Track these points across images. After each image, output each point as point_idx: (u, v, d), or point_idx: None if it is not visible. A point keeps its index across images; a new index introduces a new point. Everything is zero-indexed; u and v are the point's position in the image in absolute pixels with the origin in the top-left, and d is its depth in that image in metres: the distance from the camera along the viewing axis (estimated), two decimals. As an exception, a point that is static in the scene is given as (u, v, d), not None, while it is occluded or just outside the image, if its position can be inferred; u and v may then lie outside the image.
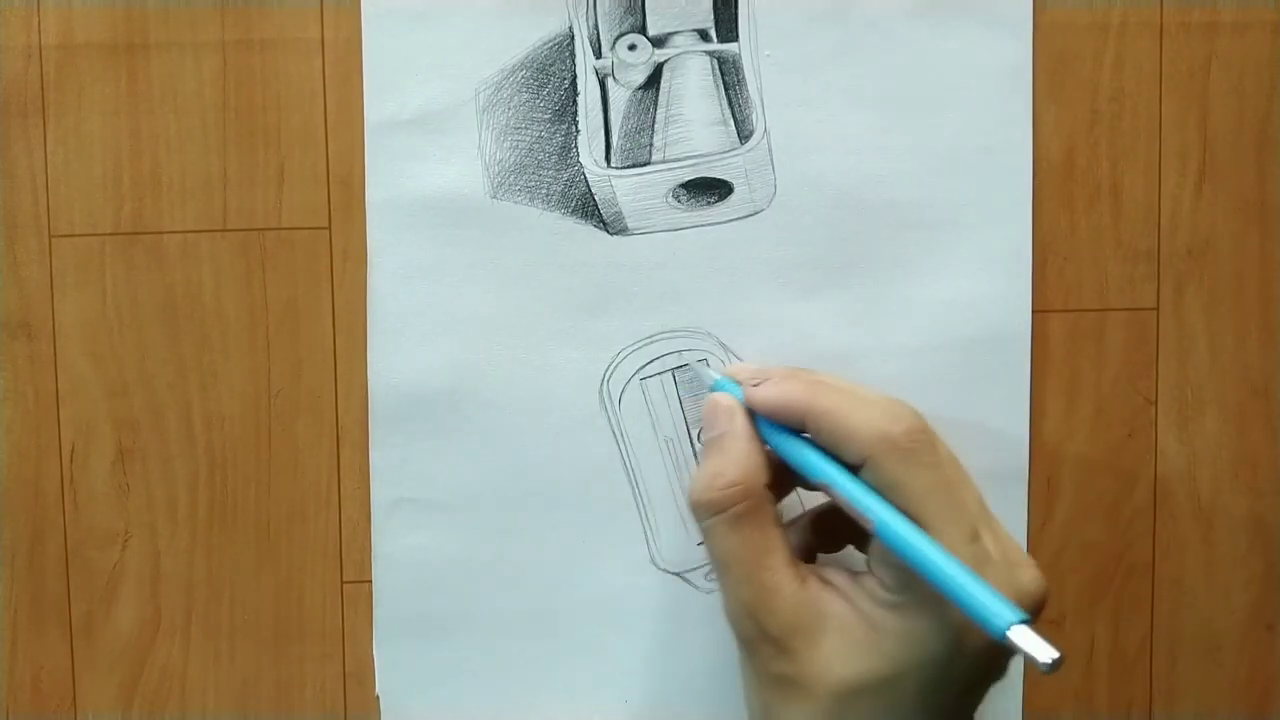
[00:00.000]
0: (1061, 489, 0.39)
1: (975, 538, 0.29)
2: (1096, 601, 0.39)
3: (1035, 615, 0.29)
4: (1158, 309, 0.39)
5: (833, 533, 0.34)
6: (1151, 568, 0.39)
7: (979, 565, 0.28)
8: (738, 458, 0.32)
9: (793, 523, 0.35)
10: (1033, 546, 0.39)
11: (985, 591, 0.27)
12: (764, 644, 0.31)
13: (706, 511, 0.31)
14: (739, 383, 0.34)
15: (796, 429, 0.32)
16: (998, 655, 0.30)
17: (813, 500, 0.35)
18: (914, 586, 0.29)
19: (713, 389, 0.34)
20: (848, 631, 0.30)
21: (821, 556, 0.35)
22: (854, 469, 0.30)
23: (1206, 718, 0.40)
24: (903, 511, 0.29)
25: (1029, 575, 0.30)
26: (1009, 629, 0.26)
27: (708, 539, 0.32)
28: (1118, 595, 0.39)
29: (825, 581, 0.31)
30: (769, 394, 0.32)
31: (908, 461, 0.30)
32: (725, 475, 0.31)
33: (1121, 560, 0.39)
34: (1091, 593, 0.39)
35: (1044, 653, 0.26)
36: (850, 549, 0.34)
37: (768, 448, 0.32)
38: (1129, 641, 0.40)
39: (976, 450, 0.38)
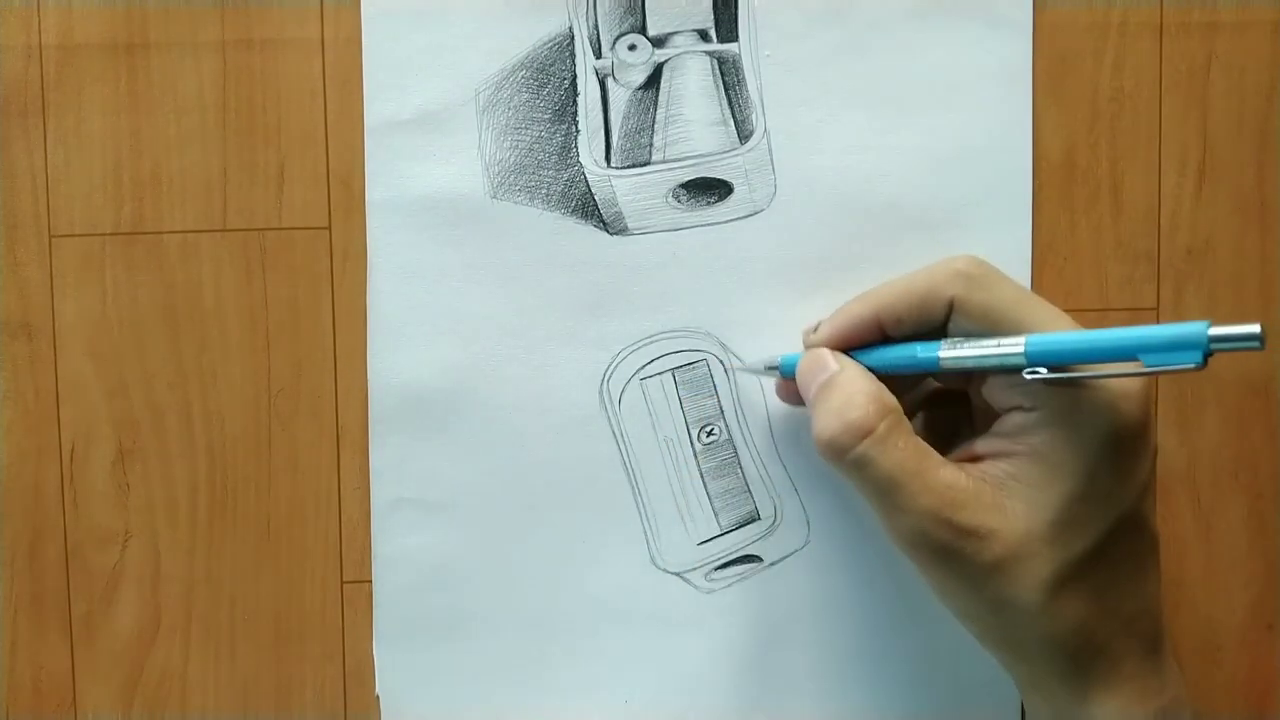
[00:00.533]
0: (1061, 489, 0.39)
1: (1073, 322, 0.31)
2: (1096, 601, 0.39)
3: None
4: (1158, 309, 0.39)
5: (947, 432, 0.35)
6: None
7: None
8: (859, 383, 0.32)
9: None
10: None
11: (1164, 332, 0.27)
12: (966, 539, 0.30)
13: (853, 438, 0.31)
14: (800, 348, 0.35)
15: (879, 340, 0.33)
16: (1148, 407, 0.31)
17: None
18: (1045, 392, 0.30)
19: (784, 368, 0.35)
20: (1025, 476, 0.30)
21: None
22: (938, 331, 0.32)
23: (1206, 718, 0.40)
24: (1003, 325, 0.31)
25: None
26: (1208, 333, 0.26)
27: (861, 469, 0.31)
28: (1118, 595, 0.39)
29: (978, 457, 0.32)
30: (835, 322, 0.33)
31: (988, 282, 0.31)
32: (856, 400, 0.31)
33: (1121, 560, 0.39)
34: (1091, 593, 0.39)
35: (1248, 329, 0.26)
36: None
37: None
38: (1129, 641, 0.40)
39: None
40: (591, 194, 0.38)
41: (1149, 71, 0.38)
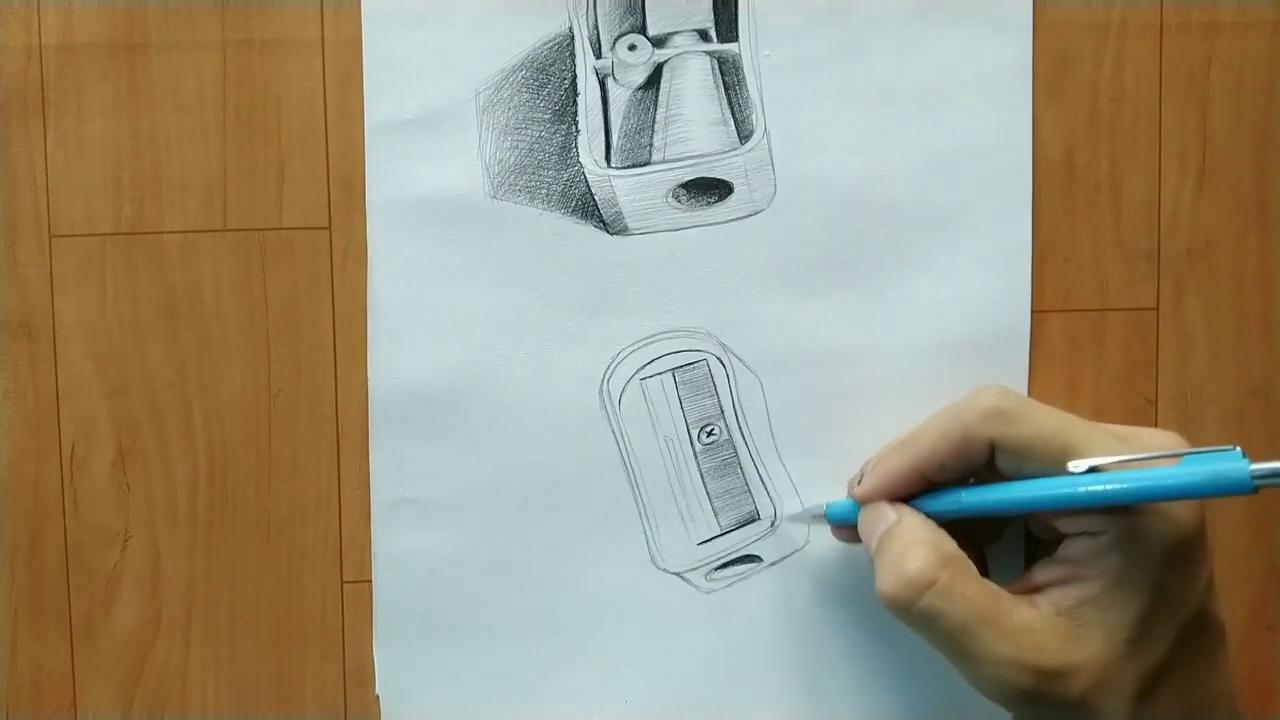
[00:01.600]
0: (1061, 489, 0.39)
1: (1120, 439, 0.31)
2: (1096, 601, 0.39)
3: None
4: (1158, 309, 0.39)
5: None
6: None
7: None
8: (918, 533, 0.32)
9: None
10: (1033, 546, 0.39)
11: (1203, 467, 0.28)
12: (1052, 681, 0.29)
13: (915, 591, 0.30)
14: (847, 498, 0.35)
15: (924, 489, 0.33)
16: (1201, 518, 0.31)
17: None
18: (1110, 514, 0.30)
19: (830, 516, 0.36)
20: (1099, 600, 0.30)
21: None
22: (985, 470, 0.32)
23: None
24: (1050, 454, 0.30)
25: (1168, 440, 0.32)
26: (1251, 472, 0.28)
27: (931, 622, 0.30)
28: (1118, 595, 0.39)
29: (1040, 588, 0.31)
30: (874, 479, 0.33)
31: (1022, 416, 0.31)
32: (917, 552, 0.31)
33: (1121, 560, 0.39)
34: (1091, 593, 0.39)
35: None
36: None
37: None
38: (1129, 641, 0.40)
39: (976, 450, 0.38)
40: (591, 194, 0.38)
41: (1149, 71, 0.38)
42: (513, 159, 0.38)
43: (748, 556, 0.38)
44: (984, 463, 0.32)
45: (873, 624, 0.38)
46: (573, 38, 0.37)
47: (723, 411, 0.38)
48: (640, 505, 0.38)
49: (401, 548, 0.38)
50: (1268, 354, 0.39)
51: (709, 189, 0.38)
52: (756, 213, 0.38)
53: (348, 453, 0.39)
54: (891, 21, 0.37)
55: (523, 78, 0.38)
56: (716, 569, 0.38)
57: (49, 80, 0.38)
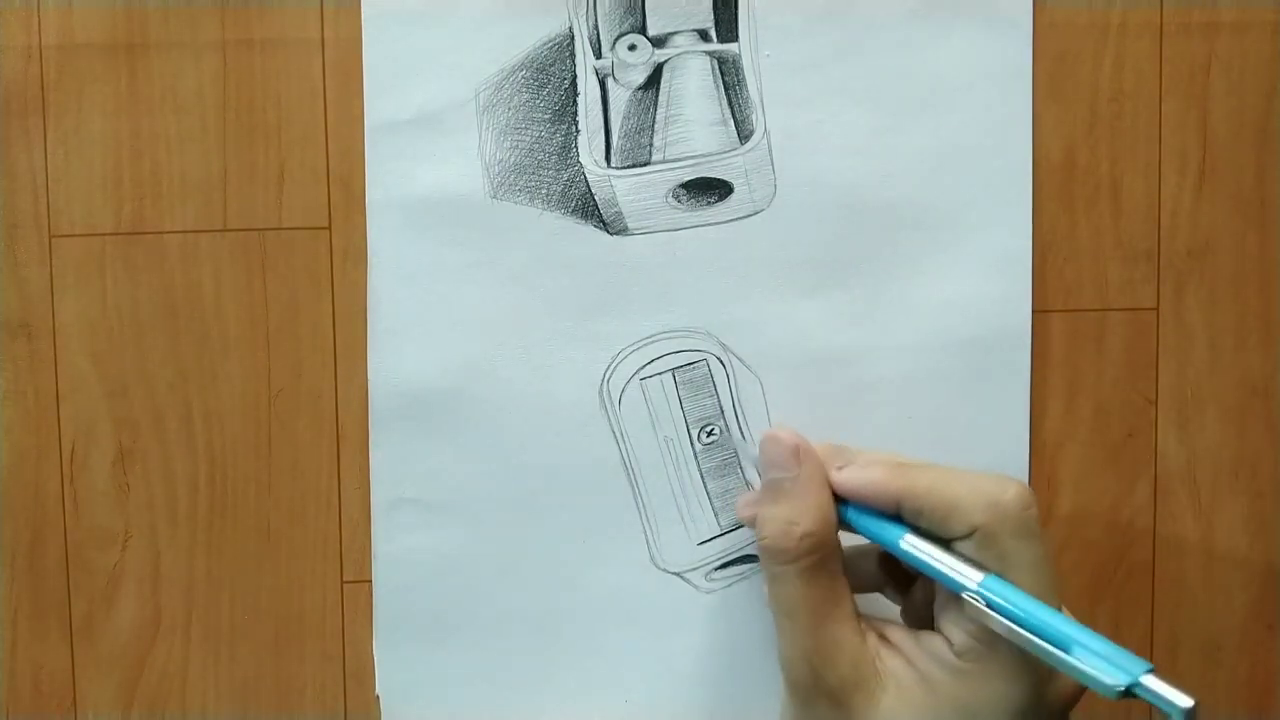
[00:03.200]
0: (1061, 489, 0.39)
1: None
2: (1096, 601, 0.39)
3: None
4: (1158, 309, 0.39)
5: (865, 576, 0.34)
6: (1151, 568, 0.39)
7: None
8: (813, 507, 0.31)
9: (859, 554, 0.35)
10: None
11: (1109, 648, 0.27)
12: (819, 697, 0.30)
13: (779, 559, 0.31)
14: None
15: (884, 510, 0.31)
16: (1066, 712, 0.30)
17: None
18: (981, 653, 0.29)
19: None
20: (905, 692, 0.30)
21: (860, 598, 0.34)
22: (951, 541, 0.30)
23: (1206, 718, 0.40)
24: (1013, 582, 0.29)
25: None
26: (1142, 678, 0.26)
27: (774, 585, 0.31)
28: (1118, 595, 0.39)
29: (885, 639, 0.31)
30: (858, 479, 0.32)
31: (1021, 534, 0.29)
32: (801, 524, 0.31)
33: (1121, 560, 0.39)
34: (1091, 593, 0.39)
35: (1180, 699, 0.26)
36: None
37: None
38: (1129, 642, 0.39)
39: (976, 450, 0.38)
40: (591, 194, 0.38)
41: (1149, 71, 0.38)
42: (513, 159, 0.38)
43: (747, 556, 0.38)
44: (955, 538, 0.30)
45: (873, 624, 0.38)
46: (573, 38, 0.37)
47: (723, 411, 0.38)
48: (640, 505, 0.38)
49: (401, 548, 0.38)
50: (1268, 354, 0.39)
51: (709, 189, 0.38)
52: (756, 213, 0.38)
53: (348, 453, 0.39)
54: (891, 21, 0.37)
55: (523, 78, 0.38)
56: (716, 569, 0.38)
57: (49, 80, 0.38)
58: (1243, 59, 0.38)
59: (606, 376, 0.38)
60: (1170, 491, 0.39)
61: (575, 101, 0.38)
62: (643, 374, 0.38)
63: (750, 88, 0.38)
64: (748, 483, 0.38)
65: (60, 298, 0.38)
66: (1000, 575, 0.29)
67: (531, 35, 0.37)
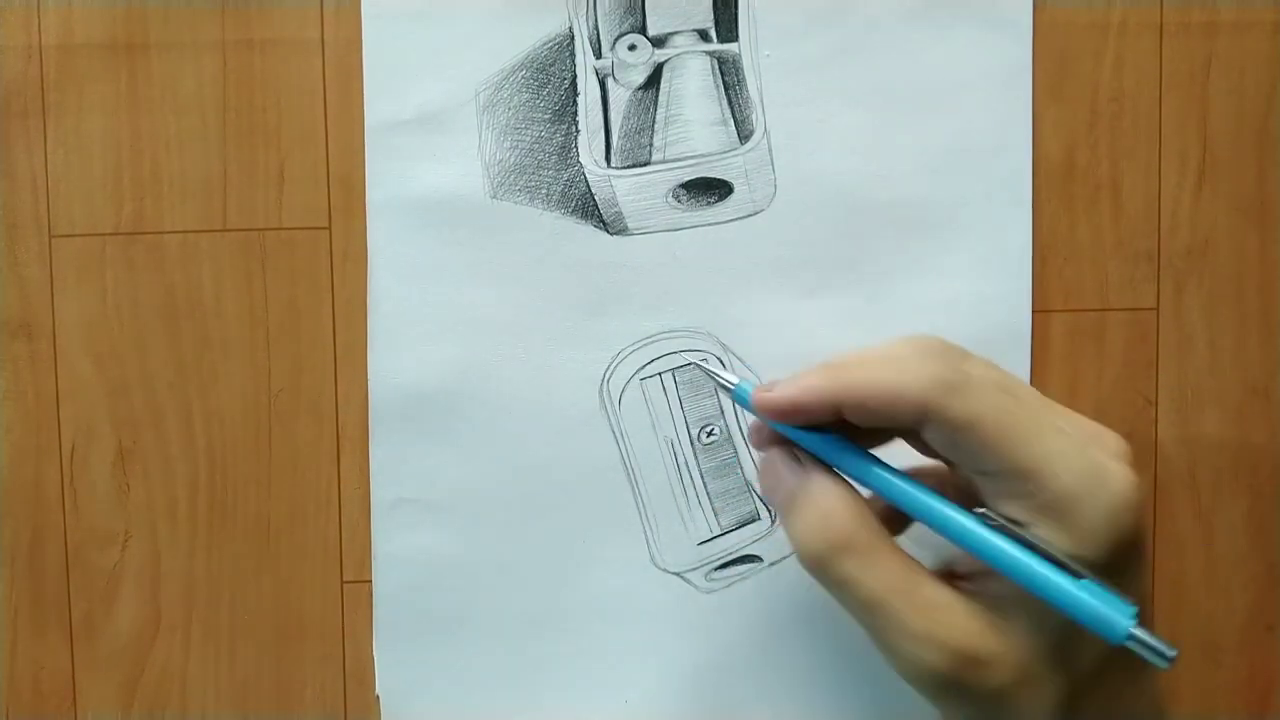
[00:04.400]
0: (1061, 489, 0.39)
1: (1059, 430, 0.27)
2: (1096, 601, 0.39)
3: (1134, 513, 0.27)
4: (1158, 309, 0.39)
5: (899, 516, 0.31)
6: (1151, 568, 0.39)
7: (1081, 448, 0.26)
8: (834, 495, 0.29)
9: None
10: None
11: (1091, 598, 0.26)
12: (965, 667, 0.27)
13: (833, 555, 0.28)
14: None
15: (831, 422, 0.29)
16: None
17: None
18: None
19: (738, 396, 0.31)
20: (1021, 603, 0.27)
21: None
22: (907, 432, 0.28)
23: (1206, 718, 0.40)
24: (986, 440, 0.27)
25: (1113, 438, 0.28)
26: (1127, 636, 0.25)
27: (845, 589, 0.28)
28: (1118, 595, 0.39)
29: (962, 576, 0.28)
30: (787, 392, 0.29)
31: (965, 390, 0.27)
32: (835, 514, 0.28)
33: (1121, 560, 0.39)
34: (1091, 593, 0.39)
35: (1165, 649, 0.25)
36: None
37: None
38: (1129, 641, 0.40)
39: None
40: (591, 194, 0.38)
41: (1149, 71, 0.38)
42: (513, 159, 0.38)
43: (747, 556, 0.38)
44: (909, 425, 0.28)
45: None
46: (573, 38, 0.37)
47: (723, 411, 0.38)
48: (640, 505, 0.38)
49: (401, 548, 0.38)
50: (1268, 354, 0.39)
51: (709, 189, 0.38)
52: (756, 213, 0.38)
53: (348, 453, 0.39)
54: (891, 21, 0.37)
55: (523, 78, 0.38)
56: (716, 569, 0.38)
57: (49, 80, 0.38)
58: (1243, 59, 0.38)
59: (606, 376, 0.38)
60: (1170, 491, 0.39)
61: (575, 101, 0.38)
62: (643, 374, 0.38)
63: (750, 88, 0.38)
64: (747, 483, 0.38)
65: (60, 298, 0.38)
66: (973, 444, 0.27)
67: (531, 35, 0.37)
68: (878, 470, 0.29)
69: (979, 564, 0.28)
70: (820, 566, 0.28)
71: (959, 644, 0.27)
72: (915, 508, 0.28)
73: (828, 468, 0.30)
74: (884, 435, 0.30)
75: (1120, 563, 0.27)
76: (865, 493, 0.30)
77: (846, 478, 0.30)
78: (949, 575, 0.29)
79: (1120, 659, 0.27)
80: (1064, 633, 0.27)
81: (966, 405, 0.27)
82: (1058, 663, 0.27)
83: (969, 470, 0.28)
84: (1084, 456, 0.27)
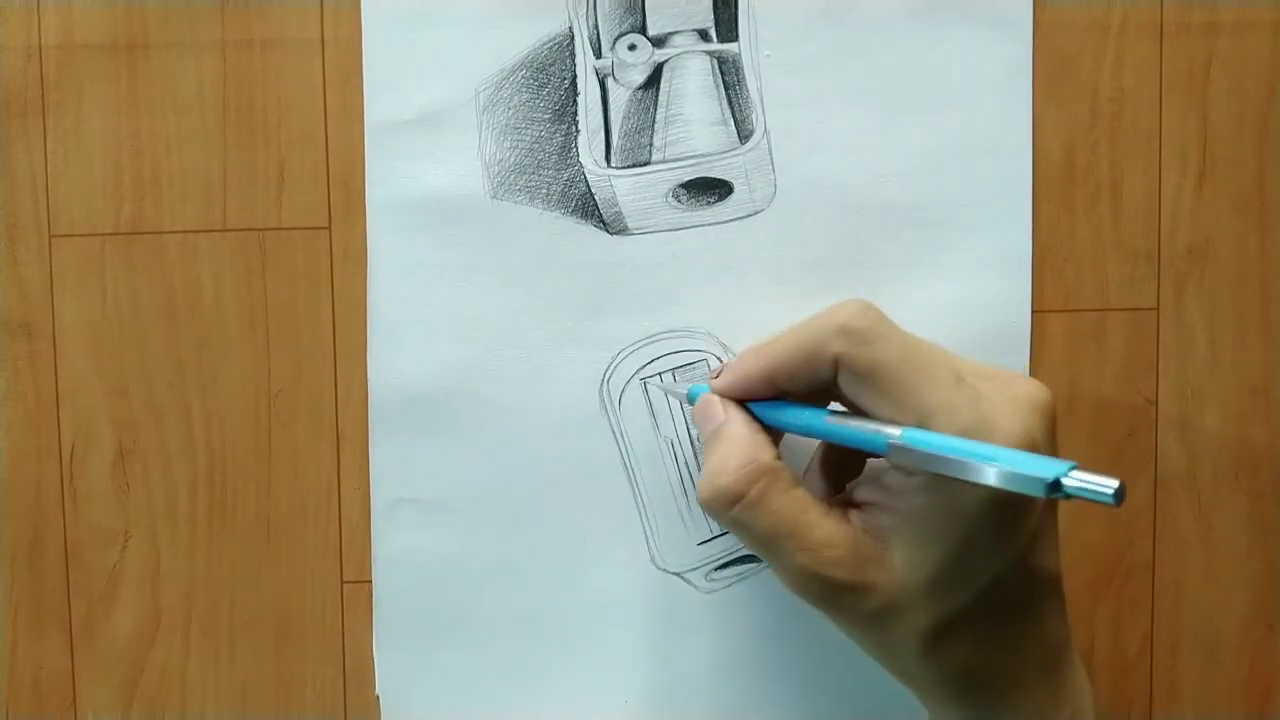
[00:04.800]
0: (1061, 489, 0.39)
1: (960, 381, 0.29)
2: (1096, 601, 0.39)
3: (1052, 425, 0.30)
4: (1158, 309, 0.39)
5: (842, 468, 0.34)
6: (1151, 568, 0.39)
7: (974, 402, 0.29)
8: (739, 441, 0.32)
9: (805, 473, 0.35)
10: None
11: (1020, 462, 0.27)
12: (844, 594, 0.30)
13: (727, 501, 0.31)
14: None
15: (776, 396, 0.32)
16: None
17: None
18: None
19: (690, 397, 0.34)
20: (903, 533, 0.30)
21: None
22: (830, 385, 0.31)
23: (1206, 718, 0.40)
24: (886, 386, 0.29)
25: (1027, 389, 0.31)
26: (1065, 478, 0.26)
27: (739, 528, 0.31)
28: (1118, 595, 0.39)
29: (858, 505, 0.31)
30: (729, 377, 0.33)
31: (872, 337, 0.30)
32: (733, 459, 0.31)
33: (1121, 560, 0.39)
34: (1091, 593, 0.39)
35: (1106, 484, 0.25)
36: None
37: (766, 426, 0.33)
38: (1129, 642, 0.40)
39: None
40: (591, 194, 0.38)
41: (1149, 71, 0.38)
42: (513, 159, 0.38)
43: (748, 556, 0.38)
44: (830, 379, 0.31)
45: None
46: (573, 38, 0.37)
47: (723, 411, 0.38)
48: (640, 505, 0.38)
49: (401, 548, 0.38)
50: (1268, 354, 0.39)
51: (709, 189, 0.38)
52: (756, 213, 0.38)
53: (348, 453, 0.39)
54: (891, 21, 0.37)
55: (523, 78, 0.38)
56: (716, 569, 0.39)
57: (49, 80, 0.38)
58: (1243, 59, 0.38)
59: (606, 376, 0.38)
60: (1170, 491, 0.39)
61: (575, 101, 0.38)
62: (643, 374, 0.38)
63: (750, 87, 0.38)
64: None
65: (60, 298, 0.38)
66: (880, 388, 0.30)
67: (531, 35, 0.37)
68: (801, 411, 0.32)
69: (872, 494, 0.31)
70: (713, 510, 0.31)
71: (836, 577, 0.30)
72: (828, 432, 0.31)
73: (752, 418, 0.32)
74: (827, 399, 0.33)
75: None
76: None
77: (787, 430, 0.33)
78: (847, 503, 0.32)
79: (1001, 592, 0.30)
80: (939, 569, 0.29)
81: (870, 351, 0.30)
82: (929, 594, 0.30)
83: (880, 420, 0.30)
84: (975, 410, 0.29)
